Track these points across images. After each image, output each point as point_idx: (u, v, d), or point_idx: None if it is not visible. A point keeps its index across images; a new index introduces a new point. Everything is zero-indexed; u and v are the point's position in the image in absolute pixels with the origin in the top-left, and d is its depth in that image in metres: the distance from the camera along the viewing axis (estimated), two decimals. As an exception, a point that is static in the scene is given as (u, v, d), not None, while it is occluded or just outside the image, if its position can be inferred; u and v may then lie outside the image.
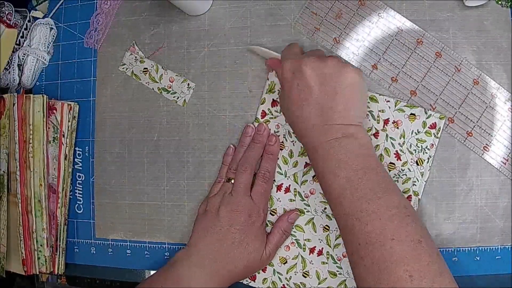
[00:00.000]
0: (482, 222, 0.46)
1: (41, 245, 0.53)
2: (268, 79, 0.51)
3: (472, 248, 0.46)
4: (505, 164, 0.46)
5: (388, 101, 0.48)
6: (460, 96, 0.47)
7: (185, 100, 0.54)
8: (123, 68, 0.56)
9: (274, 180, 0.50)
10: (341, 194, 0.38)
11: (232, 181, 0.48)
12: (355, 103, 0.41)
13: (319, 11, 0.51)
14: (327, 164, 0.40)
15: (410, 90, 0.48)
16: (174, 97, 0.54)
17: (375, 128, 0.48)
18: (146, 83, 0.55)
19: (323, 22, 0.51)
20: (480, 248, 0.46)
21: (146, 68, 0.55)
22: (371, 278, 0.35)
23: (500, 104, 0.46)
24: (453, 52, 0.47)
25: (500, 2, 0.47)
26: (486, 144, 0.46)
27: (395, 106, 0.48)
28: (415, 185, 0.47)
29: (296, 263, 0.49)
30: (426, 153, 0.47)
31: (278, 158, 0.50)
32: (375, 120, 0.48)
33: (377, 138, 0.48)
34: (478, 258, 0.46)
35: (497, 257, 0.46)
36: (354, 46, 0.49)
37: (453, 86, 0.47)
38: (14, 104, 0.54)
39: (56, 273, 0.55)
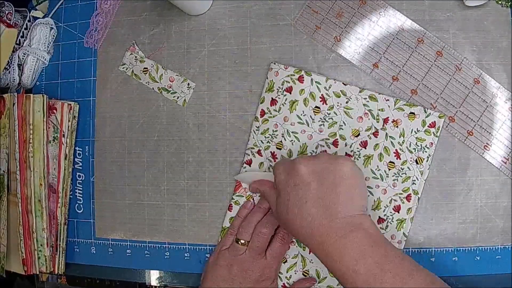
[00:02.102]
0: (482, 222, 0.46)
1: (41, 245, 0.53)
2: (267, 78, 0.51)
3: (472, 248, 0.46)
4: (505, 163, 0.46)
5: (388, 100, 0.48)
6: (461, 95, 0.47)
7: (185, 100, 0.54)
8: (123, 68, 0.56)
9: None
10: None
11: (242, 241, 0.47)
12: (356, 191, 0.40)
13: (320, 10, 0.51)
14: (343, 263, 0.37)
15: (411, 89, 0.48)
16: (174, 97, 0.54)
17: (375, 127, 0.48)
18: (146, 82, 0.55)
19: (324, 20, 0.51)
20: (480, 248, 0.46)
21: (146, 68, 0.55)
22: None
23: (500, 103, 0.46)
24: (454, 51, 0.47)
25: (500, 2, 0.47)
26: (487, 144, 0.46)
27: (395, 105, 0.48)
28: (415, 183, 0.47)
29: (296, 262, 0.49)
30: (426, 152, 0.47)
31: None
32: (374, 119, 0.48)
33: (376, 137, 0.48)
34: (478, 258, 0.46)
35: (497, 257, 0.46)
36: (355, 45, 0.49)
37: (453, 85, 0.47)
38: (14, 104, 0.53)
39: (56, 272, 0.55)
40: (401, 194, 0.47)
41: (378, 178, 0.47)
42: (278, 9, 0.52)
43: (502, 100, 0.46)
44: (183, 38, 0.55)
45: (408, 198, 0.47)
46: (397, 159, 0.47)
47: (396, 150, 0.47)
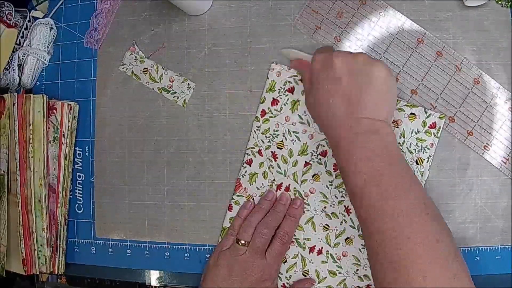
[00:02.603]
0: (482, 222, 0.46)
1: (41, 245, 0.53)
2: (268, 78, 0.51)
3: (472, 248, 0.46)
4: (505, 163, 0.46)
5: None
6: (461, 95, 0.47)
7: (185, 100, 0.54)
8: (123, 68, 0.56)
9: (274, 180, 0.50)
10: (361, 190, 0.38)
11: (242, 241, 0.47)
12: (384, 98, 0.41)
13: (320, 10, 0.51)
14: (349, 159, 0.39)
15: (411, 89, 0.48)
16: (174, 97, 0.54)
17: None
18: (146, 83, 0.55)
19: (324, 20, 0.51)
20: (480, 248, 0.46)
21: (146, 68, 0.55)
22: (387, 277, 0.35)
23: (500, 103, 0.46)
24: (453, 52, 0.47)
25: (500, 2, 0.47)
26: (487, 144, 0.46)
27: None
28: None
29: (296, 262, 0.49)
30: (426, 152, 0.47)
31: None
32: None
33: None
34: (478, 258, 0.46)
35: (497, 257, 0.46)
36: (355, 45, 0.49)
37: (453, 85, 0.47)
38: (14, 104, 0.53)
39: (56, 273, 0.55)
40: None
41: None
42: (278, 9, 0.52)
43: (502, 100, 0.46)
44: (183, 38, 0.55)
45: None
46: None
47: None
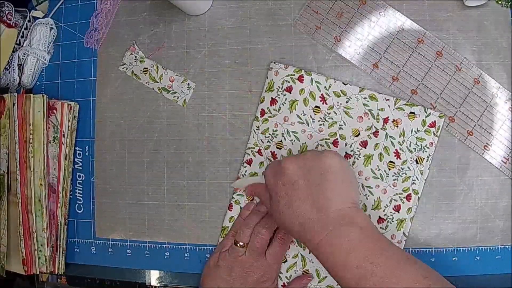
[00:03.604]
0: (482, 222, 0.46)
1: (41, 245, 0.53)
2: (267, 78, 0.51)
3: (472, 248, 0.46)
4: (505, 163, 0.46)
5: (388, 99, 0.48)
6: (461, 95, 0.47)
7: (185, 100, 0.54)
8: (123, 68, 0.56)
9: None
10: (357, 284, 0.36)
11: (240, 243, 0.47)
12: (345, 185, 0.40)
13: (320, 10, 0.51)
14: (334, 257, 0.37)
15: (411, 89, 0.48)
16: (174, 97, 0.54)
17: (375, 127, 0.48)
18: (146, 83, 0.55)
19: (324, 20, 0.51)
20: (480, 248, 0.46)
21: (146, 68, 0.55)
22: None
23: (500, 103, 0.46)
24: (454, 51, 0.47)
25: (500, 2, 0.47)
26: (487, 144, 0.46)
27: (395, 104, 0.48)
28: (415, 183, 0.47)
29: (296, 262, 0.49)
30: (426, 151, 0.47)
31: None
32: (374, 118, 0.48)
33: (376, 137, 0.48)
34: (478, 258, 0.46)
35: (497, 257, 0.46)
36: (355, 45, 0.49)
37: (453, 85, 0.47)
38: (14, 104, 0.53)
39: (56, 272, 0.55)
40: (401, 194, 0.47)
41: (378, 178, 0.47)
42: (278, 9, 0.52)
43: (502, 100, 0.46)
44: (183, 38, 0.55)
45: (408, 198, 0.47)
46: (397, 158, 0.47)
47: (396, 150, 0.47)
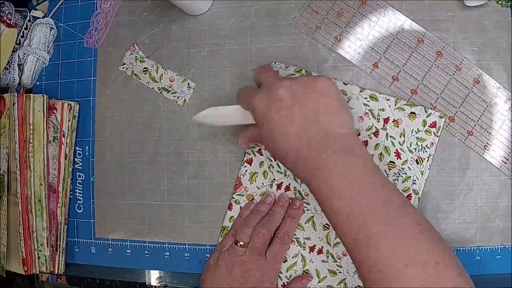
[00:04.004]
0: (482, 222, 0.46)
1: (41, 245, 0.53)
2: None
3: (472, 248, 0.46)
4: (505, 163, 0.46)
5: (388, 99, 0.48)
6: (461, 95, 0.47)
7: (185, 100, 0.54)
8: (123, 68, 0.56)
9: (274, 180, 0.50)
10: (347, 217, 0.35)
11: (241, 242, 0.47)
12: (340, 107, 0.39)
13: (320, 10, 0.51)
14: (328, 186, 0.36)
15: (411, 89, 0.48)
16: (174, 96, 0.54)
17: (375, 127, 0.48)
18: (146, 82, 0.55)
19: (324, 20, 0.51)
20: (480, 248, 0.46)
21: (146, 68, 0.55)
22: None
23: (500, 103, 0.46)
24: (454, 51, 0.47)
25: (500, 2, 0.47)
26: (487, 143, 0.46)
27: (395, 104, 0.48)
28: (415, 183, 0.47)
29: (296, 262, 0.49)
30: (426, 151, 0.47)
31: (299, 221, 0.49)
32: (375, 118, 0.48)
33: (377, 137, 0.48)
34: (478, 258, 0.46)
35: (497, 257, 0.46)
36: (355, 45, 0.49)
37: (453, 85, 0.47)
38: (14, 104, 0.54)
39: (56, 272, 0.55)
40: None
41: None
42: (278, 9, 0.52)
43: (502, 100, 0.46)
44: (183, 38, 0.55)
45: (408, 198, 0.47)
46: (397, 159, 0.47)
47: (396, 150, 0.47)
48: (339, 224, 0.36)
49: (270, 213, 0.49)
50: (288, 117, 0.38)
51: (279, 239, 0.47)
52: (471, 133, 0.47)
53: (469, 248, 0.46)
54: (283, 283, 0.49)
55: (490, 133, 0.46)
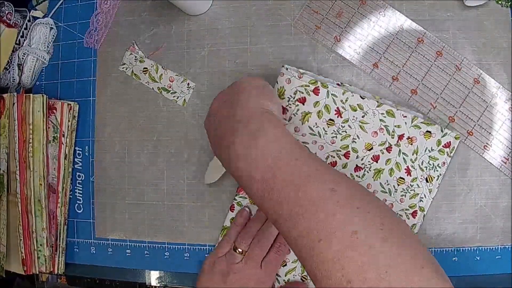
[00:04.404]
0: (482, 222, 0.46)
1: (41, 245, 0.53)
2: (277, 83, 0.49)
3: (472, 248, 0.46)
4: (505, 163, 0.46)
5: (405, 116, 0.46)
6: (461, 95, 0.47)
7: (185, 100, 0.54)
8: (123, 68, 0.56)
9: None
10: (262, 198, 0.34)
11: (239, 249, 0.47)
12: (255, 96, 0.40)
13: (320, 10, 0.51)
14: (251, 156, 0.35)
15: (411, 89, 0.48)
16: (174, 96, 0.54)
17: (389, 142, 0.47)
18: (146, 82, 0.55)
19: (324, 20, 0.51)
20: (480, 248, 0.46)
21: (146, 68, 0.55)
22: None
23: (500, 103, 0.46)
24: (454, 51, 0.47)
25: (500, 2, 0.47)
26: (487, 143, 0.46)
27: (412, 122, 0.46)
28: (422, 201, 0.46)
29: (296, 267, 0.49)
30: (437, 171, 0.46)
31: None
32: (389, 134, 0.47)
33: (389, 152, 0.47)
34: (478, 258, 0.46)
35: (497, 257, 0.46)
36: (355, 45, 0.49)
37: (453, 85, 0.47)
38: (14, 104, 0.53)
39: (56, 272, 0.55)
40: (407, 209, 0.46)
41: (386, 193, 0.47)
42: (278, 9, 0.52)
43: (502, 100, 0.46)
44: (183, 38, 0.55)
45: (413, 214, 0.46)
46: (407, 175, 0.46)
47: (407, 166, 0.46)
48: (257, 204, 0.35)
49: (267, 225, 0.48)
50: (219, 121, 0.41)
51: (275, 248, 0.47)
52: (471, 133, 0.47)
53: (469, 248, 0.46)
54: (280, 286, 0.49)
55: (490, 133, 0.46)
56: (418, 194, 0.46)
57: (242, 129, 0.37)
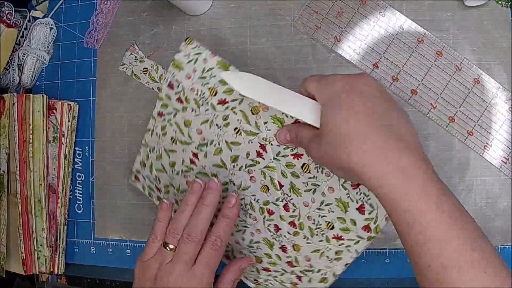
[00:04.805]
0: (482, 222, 0.46)
1: (41, 245, 0.53)
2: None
3: (472, 248, 0.46)
4: (505, 163, 0.46)
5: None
6: (461, 95, 0.47)
7: (185, 100, 0.54)
8: (123, 68, 0.56)
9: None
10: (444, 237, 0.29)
11: (170, 246, 0.39)
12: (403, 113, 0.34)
13: (320, 10, 0.51)
14: (407, 208, 0.29)
15: (411, 89, 0.48)
16: (174, 97, 0.54)
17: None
18: (146, 82, 0.55)
19: (324, 20, 0.51)
20: (481, 248, 0.46)
21: (146, 68, 0.55)
22: None
23: (500, 103, 0.46)
24: (454, 51, 0.47)
25: (500, 2, 0.47)
26: (487, 143, 0.46)
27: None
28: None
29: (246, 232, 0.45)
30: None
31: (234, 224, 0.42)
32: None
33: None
34: (479, 258, 0.46)
35: (497, 257, 0.46)
36: (355, 45, 0.49)
37: (453, 85, 0.47)
38: (14, 104, 0.53)
39: (56, 273, 0.55)
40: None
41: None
42: (278, 9, 0.52)
43: (502, 100, 0.46)
44: (183, 38, 0.54)
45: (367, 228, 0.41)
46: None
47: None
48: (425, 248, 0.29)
49: (199, 206, 0.40)
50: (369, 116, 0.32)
51: (210, 243, 0.39)
52: (471, 133, 0.47)
53: (469, 248, 0.46)
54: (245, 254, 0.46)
55: (490, 133, 0.46)
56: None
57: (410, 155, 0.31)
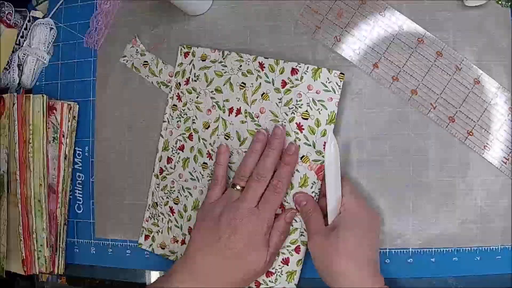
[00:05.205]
0: (482, 222, 0.46)
1: (41, 245, 0.53)
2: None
3: (472, 248, 0.46)
4: (505, 163, 0.46)
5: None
6: (461, 95, 0.47)
7: (185, 100, 0.54)
8: (123, 60, 0.56)
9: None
10: None
11: (238, 186, 0.44)
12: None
13: (320, 10, 0.51)
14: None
15: (411, 89, 0.48)
16: (174, 97, 0.54)
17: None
18: (145, 76, 0.55)
19: (324, 20, 0.51)
20: (481, 248, 0.46)
21: (147, 62, 0.55)
22: None
23: (500, 103, 0.46)
24: (454, 51, 0.47)
25: (500, 2, 0.47)
26: (487, 143, 0.46)
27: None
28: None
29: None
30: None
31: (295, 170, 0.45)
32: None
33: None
34: (479, 258, 0.46)
35: (497, 257, 0.46)
36: (355, 45, 0.49)
37: (453, 85, 0.47)
38: (14, 104, 0.53)
39: (56, 273, 0.55)
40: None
41: None
42: (278, 9, 0.52)
43: (502, 100, 0.46)
44: (183, 38, 0.55)
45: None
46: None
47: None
48: None
49: (266, 151, 0.44)
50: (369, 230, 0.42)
51: (272, 187, 0.43)
52: (471, 133, 0.47)
53: (469, 248, 0.46)
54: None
55: (490, 133, 0.46)
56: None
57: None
